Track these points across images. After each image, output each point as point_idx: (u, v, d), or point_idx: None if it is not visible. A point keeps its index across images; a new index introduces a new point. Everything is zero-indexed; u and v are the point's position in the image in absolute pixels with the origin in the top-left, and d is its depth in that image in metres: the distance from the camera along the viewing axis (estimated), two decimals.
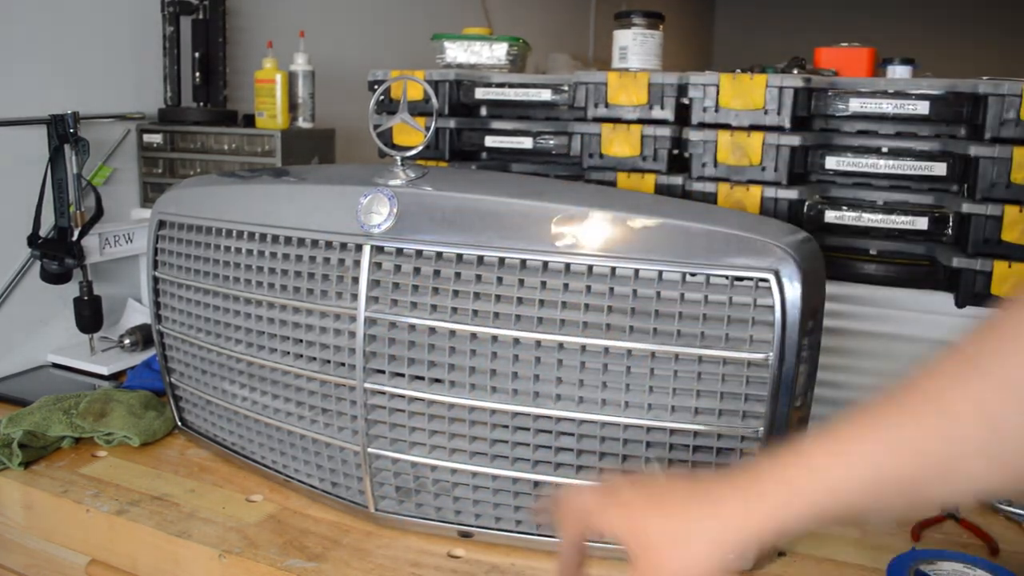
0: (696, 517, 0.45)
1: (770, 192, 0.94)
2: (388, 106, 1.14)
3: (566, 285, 0.68)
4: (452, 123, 1.10)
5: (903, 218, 0.91)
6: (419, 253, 0.72)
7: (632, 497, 0.48)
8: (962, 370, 0.40)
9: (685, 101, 0.98)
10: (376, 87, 1.11)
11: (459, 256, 0.70)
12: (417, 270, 0.72)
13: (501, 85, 1.10)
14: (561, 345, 0.68)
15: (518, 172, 1.11)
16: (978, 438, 0.39)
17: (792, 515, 0.43)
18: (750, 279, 0.64)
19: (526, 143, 1.08)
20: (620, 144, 1.00)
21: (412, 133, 1.10)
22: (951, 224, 0.90)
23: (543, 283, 0.68)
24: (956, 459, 0.40)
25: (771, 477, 0.44)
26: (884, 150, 0.93)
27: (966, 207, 0.87)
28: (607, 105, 1.01)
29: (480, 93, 1.10)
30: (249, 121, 1.39)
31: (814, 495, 0.42)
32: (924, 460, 0.40)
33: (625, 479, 0.50)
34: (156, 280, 0.92)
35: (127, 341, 1.17)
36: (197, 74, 1.36)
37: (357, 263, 0.73)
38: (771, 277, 0.63)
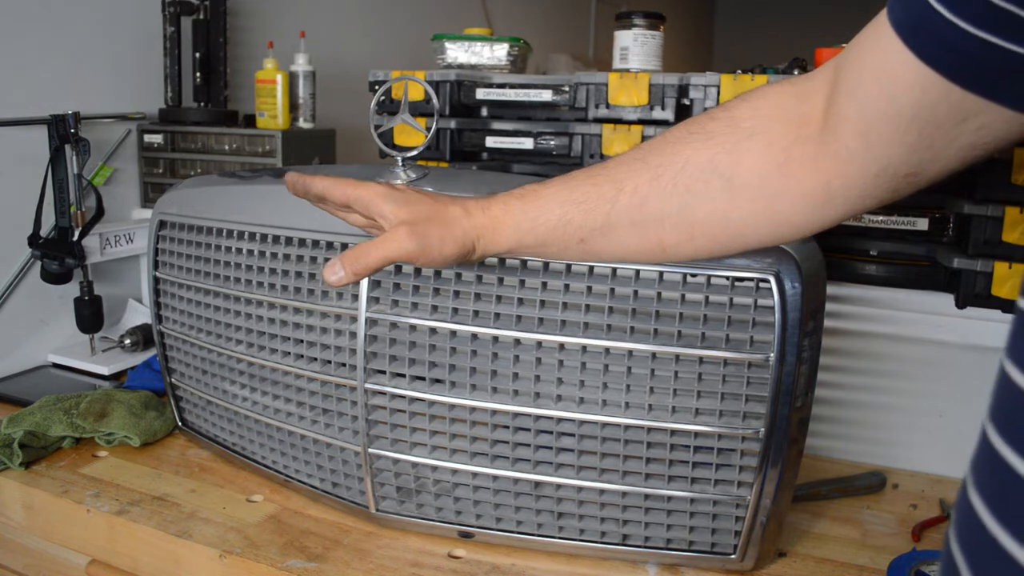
0: (432, 216, 0.60)
1: None
2: (389, 106, 1.14)
3: (567, 286, 0.68)
4: (453, 123, 1.10)
5: (903, 219, 0.91)
6: None
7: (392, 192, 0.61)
8: (633, 158, 0.57)
9: (686, 102, 0.98)
10: (377, 87, 1.11)
11: None
12: (418, 270, 0.72)
13: (502, 86, 1.10)
14: (562, 346, 0.68)
15: (519, 173, 1.11)
16: (630, 207, 0.56)
17: (499, 235, 0.61)
18: (751, 280, 0.65)
19: (527, 144, 1.08)
20: (621, 145, 1.00)
21: (413, 134, 1.11)
22: (951, 225, 0.90)
23: (544, 284, 0.68)
24: (614, 219, 0.57)
25: (491, 209, 0.60)
26: None
27: (967, 208, 0.87)
28: (608, 106, 1.01)
29: (481, 94, 1.10)
30: (250, 121, 1.39)
31: (516, 226, 0.60)
32: (593, 215, 0.57)
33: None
34: (157, 280, 0.92)
35: (127, 341, 1.17)
36: (198, 74, 1.37)
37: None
38: (771, 278, 0.63)
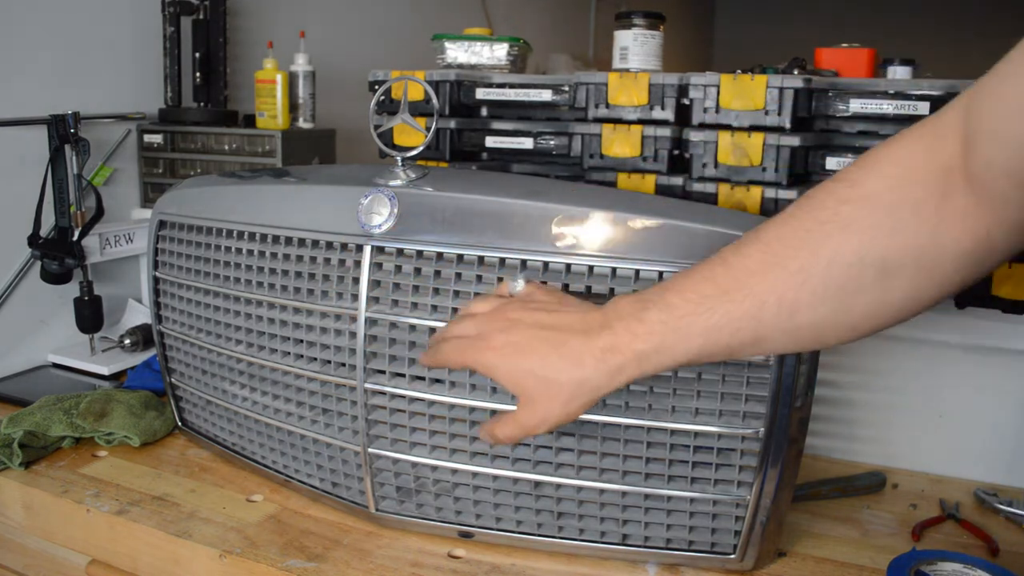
0: (560, 368, 0.54)
1: (771, 193, 0.94)
2: (389, 106, 1.14)
3: (567, 286, 0.68)
4: (452, 123, 1.10)
5: None
6: (420, 253, 0.72)
7: (504, 341, 0.56)
8: (766, 260, 0.50)
9: (686, 102, 0.98)
10: (377, 87, 1.11)
11: (460, 256, 0.70)
12: (418, 270, 0.72)
13: (502, 85, 1.10)
14: None
15: (519, 173, 1.11)
16: (778, 319, 0.50)
17: (633, 376, 0.54)
18: None
19: (527, 143, 1.08)
20: (620, 145, 1.00)
21: (413, 133, 1.10)
22: None
23: (544, 283, 0.68)
24: (762, 333, 0.51)
25: (624, 346, 0.53)
26: None
27: None
28: (608, 106, 1.01)
29: (481, 93, 1.10)
30: (249, 121, 1.39)
31: (655, 362, 0.53)
32: (740, 335, 0.51)
33: (495, 314, 0.59)
34: (156, 280, 0.92)
35: (127, 341, 1.17)
36: (197, 74, 1.37)
37: (358, 263, 0.73)
38: None
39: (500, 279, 0.69)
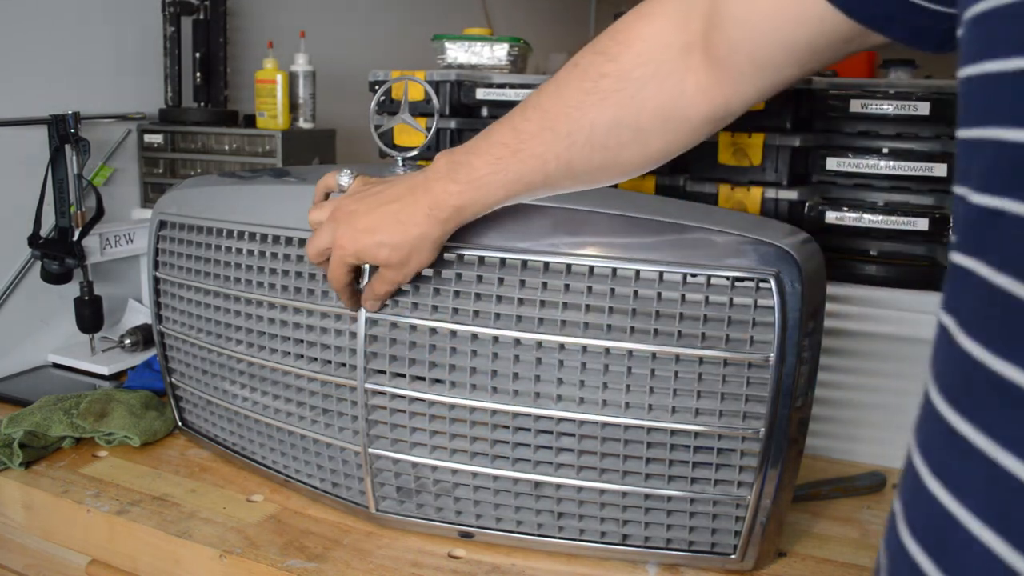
0: (403, 232, 0.64)
1: (770, 193, 0.94)
2: (389, 106, 1.14)
3: (567, 286, 0.68)
4: (453, 123, 1.10)
5: (904, 219, 0.91)
6: None
7: (354, 231, 0.65)
8: (543, 125, 0.59)
9: None
10: (377, 87, 1.11)
11: (460, 257, 0.70)
12: None
13: (502, 86, 1.10)
14: (562, 346, 0.68)
15: None
16: (558, 171, 0.60)
17: (457, 222, 0.64)
18: (751, 280, 0.65)
19: None
20: None
21: (413, 133, 1.11)
22: (951, 225, 0.90)
23: (544, 284, 0.68)
24: (550, 182, 0.61)
25: (443, 203, 0.63)
26: (885, 151, 0.93)
27: None
28: None
29: (481, 94, 1.10)
30: (250, 121, 1.39)
31: (471, 211, 0.63)
32: (532, 184, 0.61)
33: (336, 215, 0.67)
34: (157, 280, 0.92)
35: (127, 341, 1.17)
36: (198, 74, 1.37)
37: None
38: (771, 278, 0.63)
39: (500, 279, 0.69)
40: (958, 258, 0.33)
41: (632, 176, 0.62)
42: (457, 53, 1.21)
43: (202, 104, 1.38)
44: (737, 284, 0.65)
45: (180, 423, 0.96)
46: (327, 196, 0.73)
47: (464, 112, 1.13)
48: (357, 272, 0.70)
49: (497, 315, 0.69)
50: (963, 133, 0.34)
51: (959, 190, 0.33)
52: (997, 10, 0.31)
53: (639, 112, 0.56)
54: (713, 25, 0.53)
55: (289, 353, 0.79)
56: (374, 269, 0.68)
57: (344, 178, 0.71)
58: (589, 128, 0.57)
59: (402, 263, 0.65)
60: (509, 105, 1.10)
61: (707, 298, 0.65)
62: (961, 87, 0.34)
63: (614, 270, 0.67)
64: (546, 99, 0.59)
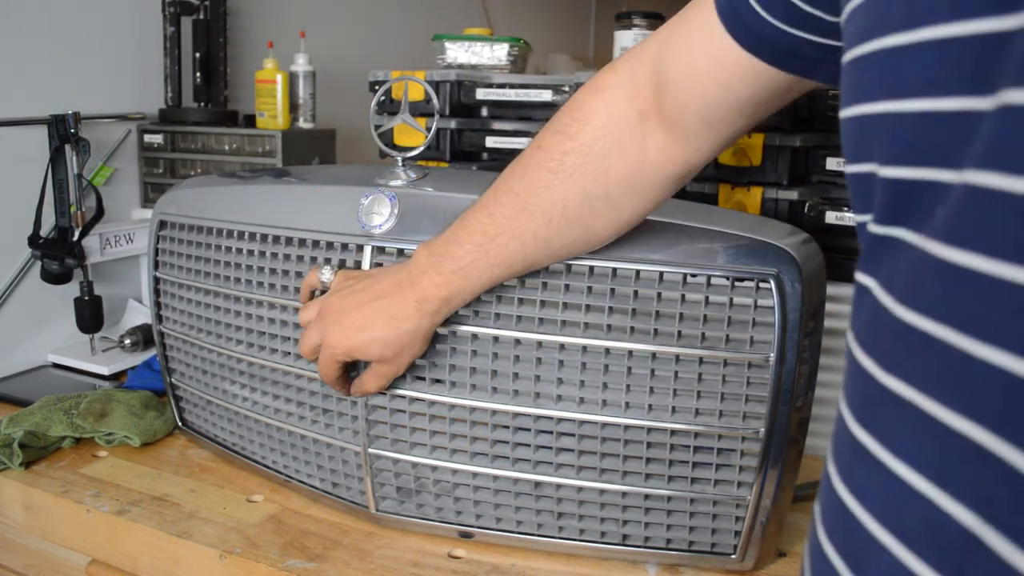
0: (394, 328, 0.65)
1: (771, 193, 0.94)
2: (389, 107, 1.14)
3: (567, 286, 0.68)
4: (453, 124, 1.10)
5: None
6: None
7: (343, 329, 0.66)
8: (518, 207, 0.61)
9: None
10: (377, 87, 1.11)
11: None
12: None
13: (502, 86, 1.10)
14: (562, 346, 0.68)
15: None
16: (537, 249, 0.62)
17: (446, 313, 0.66)
18: (751, 280, 0.65)
19: (527, 144, 1.07)
20: None
21: (413, 134, 1.11)
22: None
23: (544, 284, 0.68)
24: (530, 260, 0.63)
25: (431, 295, 0.64)
26: None
27: None
28: None
29: (481, 94, 1.10)
30: (250, 121, 1.39)
31: (458, 300, 0.65)
32: (514, 265, 0.63)
33: (324, 313, 0.67)
34: (157, 280, 0.92)
35: (127, 341, 1.17)
36: (198, 74, 1.37)
37: (358, 264, 0.73)
38: (771, 278, 0.63)
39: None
40: (859, 276, 0.36)
41: (609, 242, 0.65)
42: (457, 53, 1.21)
43: (202, 104, 1.38)
44: (737, 284, 0.65)
45: (180, 423, 0.96)
46: (312, 294, 0.74)
47: (464, 112, 1.13)
48: (349, 365, 0.70)
49: (497, 315, 0.69)
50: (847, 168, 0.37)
51: (860, 218, 0.36)
52: (865, 57, 0.34)
53: (606, 182, 0.59)
54: (661, 90, 0.55)
55: (289, 353, 0.79)
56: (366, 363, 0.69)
57: (326, 274, 0.71)
58: (562, 205, 0.60)
59: (395, 357, 0.67)
60: (509, 105, 1.10)
61: (707, 298, 0.65)
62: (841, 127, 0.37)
63: (614, 270, 0.67)
64: (516, 182, 0.61)
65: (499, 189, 0.63)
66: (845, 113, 0.36)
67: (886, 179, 0.32)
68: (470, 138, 1.11)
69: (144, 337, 1.18)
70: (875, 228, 0.34)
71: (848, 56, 0.36)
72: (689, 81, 0.53)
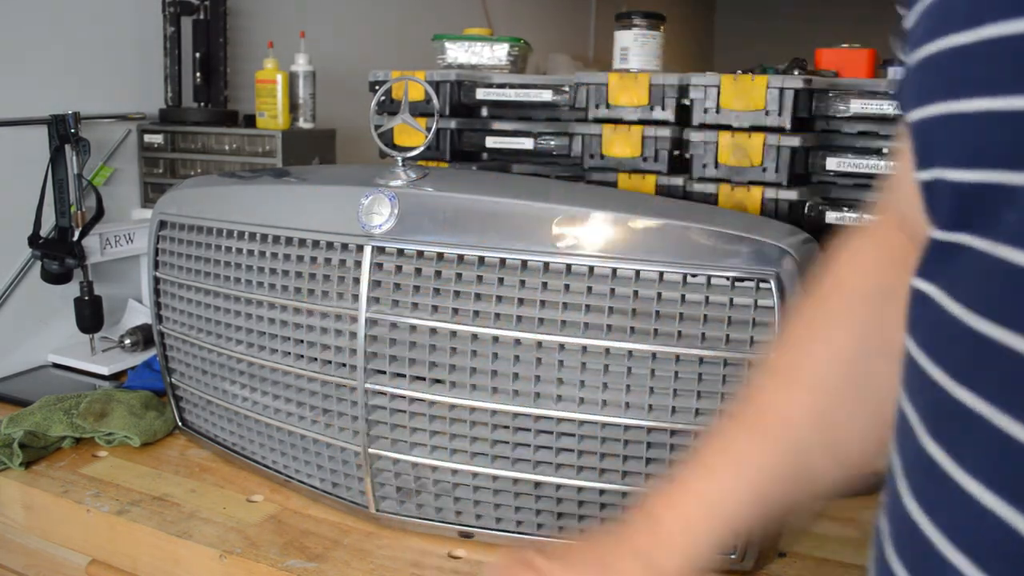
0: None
1: (771, 193, 0.94)
2: (389, 107, 1.14)
3: (567, 286, 0.68)
4: (453, 124, 1.10)
5: None
6: (420, 254, 0.72)
7: None
8: (785, 383, 0.47)
9: (686, 102, 0.98)
10: (377, 88, 1.11)
11: (460, 257, 0.70)
12: (418, 271, 0.72)
13: (502, 86, 1.10)
14: (562, 346, 0.68)
15: (519, 173, 1.11)
16: (814, 437, 0.46)
17: (694, 554, 0.46)
18: (751, 280, 0.64)
19: (527, 144, 1.08)
20: (621, 145, 1.00)
21: (413, 134, 1.10)
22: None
23: (544, 284, 0.68)
24: (804, 459, 0.46)
25: (662, 531, 0.47)
26: (885, 151, 0.93)
27: None
28: (608, 106, 1.01)
29: (481, 94, 1.10)
30: (250, 121, 1.39)
31: (709, 529, 0.46)
32: (783, 469, 0.46)
33: (529, 559, 0.50)
34: (157, 280, 0.92)
35: (127, 341, 1.17)
36: (198, 74, 1.37)
37: (358, 264, 0.73)
38: (771, 278, 0.63)
39: (500, 280, 0.69)
40: (917, 283, 0.33)
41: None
42: (457, 53, 1.21)
43: (202, 104, 1.38)
44: (737, 284, 0.65)
45: (180, 423, 0.96)
46: None
47: (464, 112, 1.13)
48: None
49: (497, 315, 0.69)
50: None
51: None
52: (929, 58, 0.32)
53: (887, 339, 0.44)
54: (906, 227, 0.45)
55: (289, 353, 0.79)
56: None
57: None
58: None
59: None
60: (509, 105, 1.10)
61: (707, 298, 0.65)
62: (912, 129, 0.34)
63: (614, 270, 0.67)
64: (769, 365, 0.49)
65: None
66: (911, 117, 0.34)
67: (951, 183, 0.31)
68: (470, 138, 1.11)
69: (144, 337, 1.18)
70: (938, 234, 0.32)
71: (912, 59, 0.34)
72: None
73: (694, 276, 0.65)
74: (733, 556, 0.71)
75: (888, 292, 0.45)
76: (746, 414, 0.48)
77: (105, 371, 1.13)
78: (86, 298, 1.15)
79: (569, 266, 0.68)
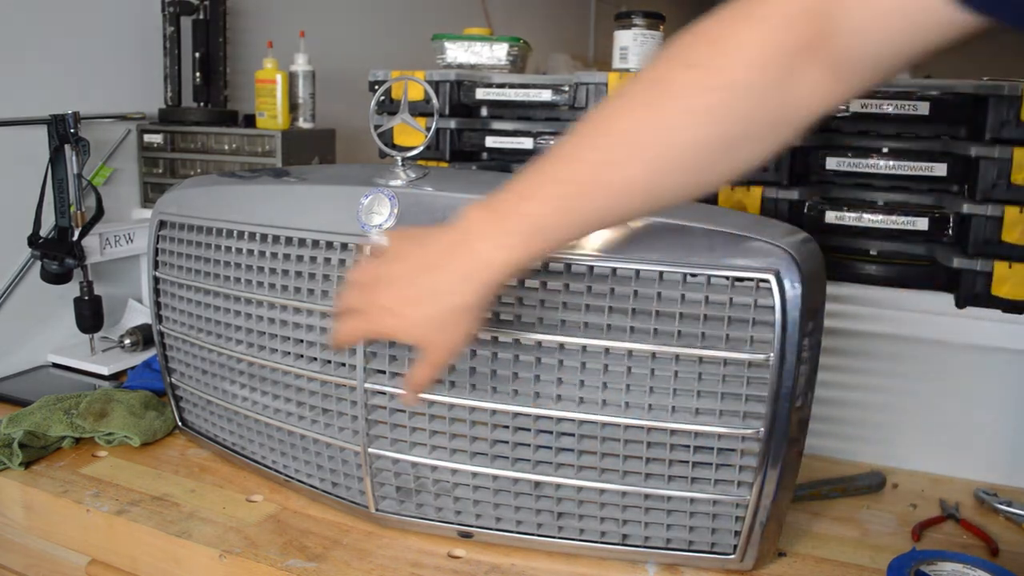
0: (444, 305, 0.57)
1: (771, 193, 0.94)
2: (389, 106, 1.14)
3: (567, 286, 0.68)
4: (453, 123, 1.10)
5: (903, 219, 0.91)
6: None
7: (391, 302, 0.59)
8: (623, 153, 0.52)
9: None
10: (376, 87, 1.11)
11: None
12: None
13: (502, 85, 1.10)
14: (562, 346, 0.68)
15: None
16: (644, 201, 0.53)
17: (506, 282, 0.56)
18: (750, 280, 0.64)
19: (526, 143, 1.08)
20: None
21: (413, 133, 1.10)
22: (951, 225, 0.90)
23: (544, 284, 0.68)
24: (627, 214, 0.57)
25: (492, 262, 0.55)
26: (884, 151, 0.93)
27: (966, 208, 0.87)
28: None
29: (480, 93, 1.10)
30: (250, 121, 1.39)
31: (524, 266, 0.55)
32: (606, 220, 0.55)
33: (375, 280, 0.60)
34: (156, 280, 0.92)
35: (127, 341, 1.17)
36: (198, 74, 1.37)
37: (358, 264, 0.73)
38: (771, 278, 0.63)
39: None
40: None
41: (704, 195, 0.56)
42: (457, 53, 1.21)
43: (202, 104, 1.38)
44: (737, 284, 0.65)
45: (180, 423, 0.96)
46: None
47: (464, 112, 1.13)
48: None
49: (497, 315, 0.69)
50: None
51: None
52: None
53: (749, 124, 0.51)
54: (828, 28, 0.48)
55: (289, 353, 0.79)
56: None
57: (381, 239, 0.65)
58: (690, 149, 0.51)
59: (443, 345, 0.59)
60: (509, 105, 1.10)
61: (707, 298, 0.65)
62: None
63: (614, 270, 0.67)
64: (621, 122, 0.52)
65: (591, 131, 0.53)
66: None
67: None
68: (470, 138, 1.11)
69: (144, 337, 1.18)
70: None
71: None
72: (871, 25, 0.47)
73: (694, 276, 0.65)
74: (733, 556, 0.71)
75: (778, 80, 0.49)
76: (584, 173, 0.53)
77: (105, 371, 1.13)
78: (86, 298, 1.15)
79: (569, 266, 0.68)
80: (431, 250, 0.58)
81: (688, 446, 0.68)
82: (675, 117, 0.51)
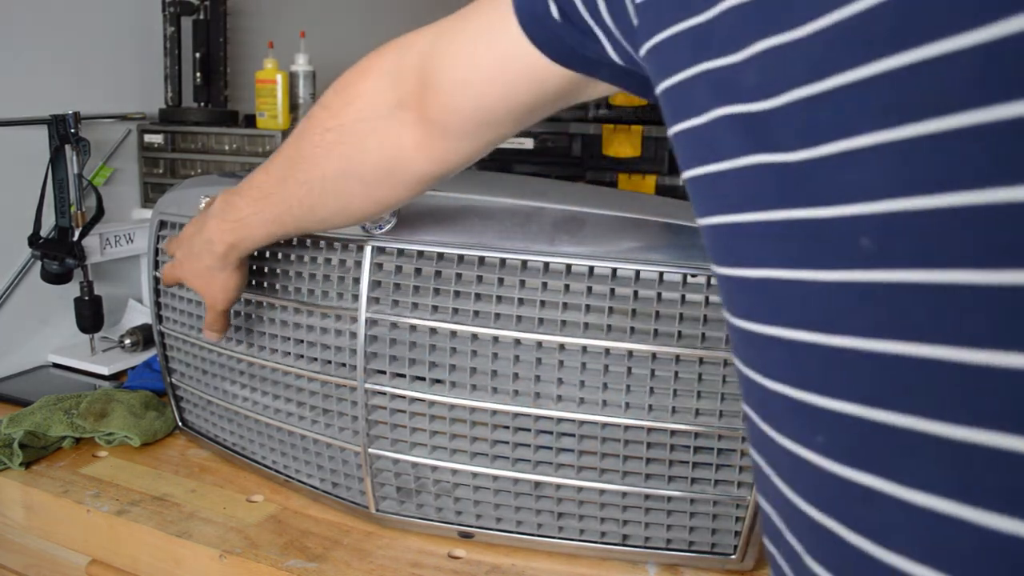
0: (199, 265, 0.72)
1: None
2: None
3: (567, 286, 0.68)
4: None
5: None
6: (420, 254, 0.72)
7: (179, 257, 0.74)
8: (287, 174, 0.62)
9: None
10: None
11: (460, 257, 0.70)
12: (418, 271, 0.72)
13: None
14: (562, 346, 0.68)
15: (519, 172, 1.11)
16: (304, 213, 0.63)
17: (234, 257, 0.70)
18: None
19: (527, 144, 1.08)
20: (621, 145, 1.00)
21: None
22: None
23: (544, 284, 0.68)
24: (300, 224, 0.65)
25: (219, 239, 0.69)
26: None
27: None
28: (608, 106, 1.01)
29: None
30: (250, 121, 1.39)
31: (241, 247, 0.69)
32: (286, 224, 0.65)
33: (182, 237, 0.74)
34: (157, 280, 0.92)
35: (128, 341, 1.17)
36: (198, 74, 1.37)
37: (358, 263, 0.73)
38: None
39: (501, 280, 0.69)
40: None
41: (360, 222, 0.68)
42: None
43: (202, 104, 1.38)
44: None
45: (180, 423, 0.96)
46: None
47: None
48: None
49: (497, 315, 0.69)
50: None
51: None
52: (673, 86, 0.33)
53: (362, 165, 0.58)
54: (427, 88, 0.52)
55: (289, 353, 0.79)
56: None
57: (202, 202, 0.78)
58: (321, 178, 0.60)
59: (208, 296, 0.73)
60: None
61: (707, 298, 0.65)
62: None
63: (614, 270, 0.67)
64: (288, 148, 0.62)
65: (279, 151, 0.64)
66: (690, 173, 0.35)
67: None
68: None
69: (144, 337, 1.18)
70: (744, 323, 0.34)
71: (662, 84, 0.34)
72: (465, 83, 0.50)
73: (694, 276, 0.66)
74: (733, 556, 0.71)
75: (379, 132, 0.56)
76: (267, 184, 0.64)
77: (105, 371, 1.13)
78: (86, 298, 1.15)
79: (569, 266, 0.68)
80: (200, 218, 0.71)
81: (688, 446, 0.68)
82: (310, 148, 0.60)
